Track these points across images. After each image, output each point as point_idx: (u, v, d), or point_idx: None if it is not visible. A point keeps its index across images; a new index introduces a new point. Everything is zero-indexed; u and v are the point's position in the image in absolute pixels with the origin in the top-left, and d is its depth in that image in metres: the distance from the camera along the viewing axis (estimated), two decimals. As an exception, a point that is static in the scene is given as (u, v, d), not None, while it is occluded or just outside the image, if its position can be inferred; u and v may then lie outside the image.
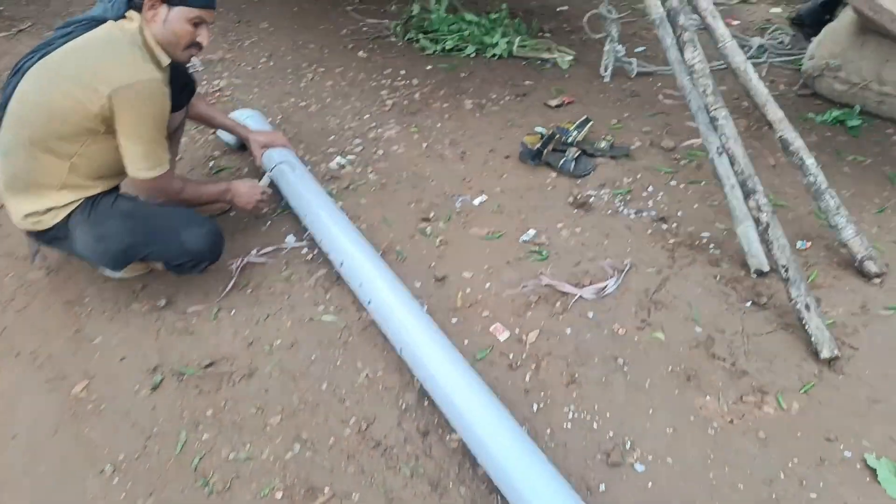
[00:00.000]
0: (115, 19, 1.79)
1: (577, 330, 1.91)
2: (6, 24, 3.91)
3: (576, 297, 2.01)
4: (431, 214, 2.40)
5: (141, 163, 1.78)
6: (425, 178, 2.62)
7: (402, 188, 2.57)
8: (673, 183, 2.53)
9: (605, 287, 2.03)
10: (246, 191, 2.12)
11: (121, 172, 1.91)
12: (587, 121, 2.72)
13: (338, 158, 2.74)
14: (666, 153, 2.71)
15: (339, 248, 2.02)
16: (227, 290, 2.06)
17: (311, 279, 2.13)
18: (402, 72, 3.43)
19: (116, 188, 1.95)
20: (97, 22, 1.80)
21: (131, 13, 1.79)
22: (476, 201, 2.48)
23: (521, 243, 2.27)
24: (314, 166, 2.70)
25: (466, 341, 1.90)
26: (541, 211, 2.41)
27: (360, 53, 3.62)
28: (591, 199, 2.44)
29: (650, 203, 2.42)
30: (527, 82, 3.31)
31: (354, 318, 1.99)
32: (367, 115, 3.06)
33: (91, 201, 1.85)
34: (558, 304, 2.00)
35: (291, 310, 2.02)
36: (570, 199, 2.45)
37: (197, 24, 1.80)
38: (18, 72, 1.78)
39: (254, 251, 2.22)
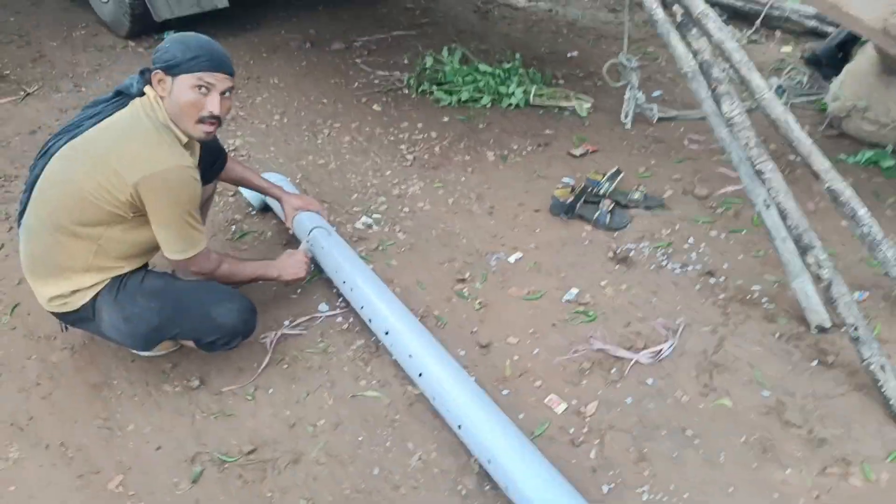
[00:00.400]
0: (140, 94, 1.74)
1: (637, 399, 1.82)
2: (13, 88, 3.87)
3: (632, 363, 1.92)
4: (467, 275, 2.32)
5: (175, 245, 1.71)
6: (455, 235, 2.56)
7: (432, 247, 2.50)
8: (713, 233, 2.47)
9: (661, 350, 1.94)
10: (293, 263, 2.07)
11: (150, 251, 1.84)
12: (618, 172, 2.68)
13: (363, 218, 2.68)
14: (700, 201, 2.67)
15: (383, 316, 1.93)
16: (263, 366, 1.97)
17: (349, 350, 2.04)
18: (420, 125, 3.40)
19: (145, 265, 1.87)
20: (123, 97, 1.74)
21: (148, 89, 1.74)
22: (511, 259, 2.41)
23: (565, 303, 2.19)
24: (340, 227, 2.63)
25: (522, 415, 1.80)
26: (580, 267, 2.34)
27: (375, 107, 3.60)
28: (632, 254, 2.38)
29: (693, 256, 2.35)
30: (547, 131, 3.29)
31: (399, 393, 1.89)
32: (389, 171, 3.01)
33: (119, 281, 1.77)
34: (613, 370, 1.92)
35: (332, 386, 1.92)
36: (610, 254, 2.39)
37: (205, 91, 1.71)
38: (46, 154, 1.72)
39: (287, 322, 2.13)
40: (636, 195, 2.61)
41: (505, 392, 1.87)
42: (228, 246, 2.54)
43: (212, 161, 2.05)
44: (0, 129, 3.40)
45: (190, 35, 1.73)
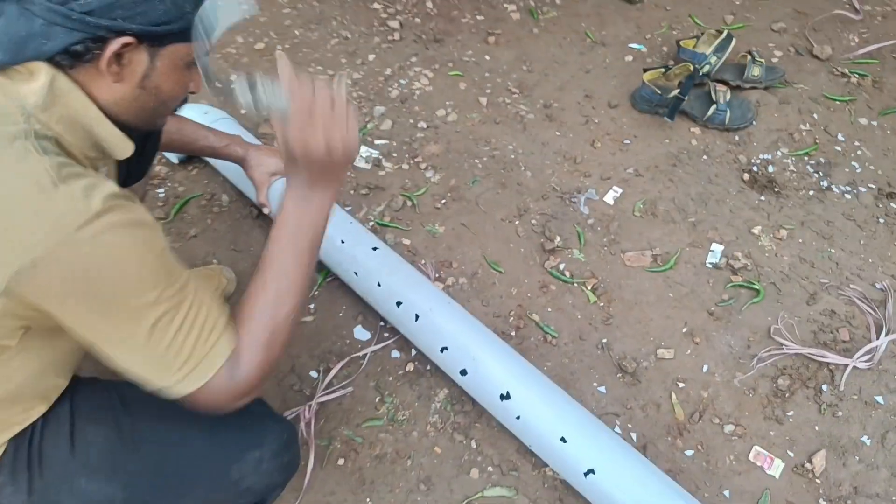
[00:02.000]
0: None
1: (877, 436, 1.28)
2: None
3: (847, 370, 1.35)
4: (556, 240, 1.56)
5: (163, 374, 0.79)
6: (512, 163, 1.72)
7: (486, 191, 1.67)
8: (863, 121, 1.79)
9: (878, 345, 1.38)
10: (328, 145, 0.80)
11: (68, 367, 0.94)
12: (728, 39, 1.83)
13: (362, 150, 1.75)
14: (825, 65, 1.92)
15: (461, 352, 1.21)
16: (309, 471, 1.23)
17: (431, 410, 1.32)
18: (386, -40, 2.26)
19: (66, 397, 0.97)
20: None
21: (34, 66, 0.72)
22: (609, 198, 1.65)
23: (710, 270, 1.52)
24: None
25: (727, 491, 1.23)
26: (712, 204, 1.63)
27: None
28: (773, 171, 1.68)
29: (856, 166, 1.69)
30: (575, -42, 2.28)
31: (538, 485, 1.25)
32: (372, 55, 1.99)
33: (25, 446, 0.89)
34: (824, 385, 1.35)
35: (429, 486, 1.24)
36: (745, 177, 1.68)
37: (191, 66, 0.82)
38: None
39: (316, 374, 1.35)
40: (756, 70, 1.82)
41: (689, 453, 1.27)
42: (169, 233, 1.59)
43: (141, 143, 1.06)
44: None
45: None
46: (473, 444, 1.29)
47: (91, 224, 0.68)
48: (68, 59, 0.72)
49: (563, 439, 1.14)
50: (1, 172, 0.68)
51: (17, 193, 0.68)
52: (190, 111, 1.59)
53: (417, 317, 1.29)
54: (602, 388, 1.36)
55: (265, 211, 1.43)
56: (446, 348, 1.26)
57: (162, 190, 1.67)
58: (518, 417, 1.19)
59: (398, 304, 1.31)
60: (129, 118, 0.80)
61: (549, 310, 1.47)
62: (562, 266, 1.53)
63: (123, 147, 0.82)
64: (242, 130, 1.63)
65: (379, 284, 1.33)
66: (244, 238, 1.58)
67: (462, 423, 1.31)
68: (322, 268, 1.48)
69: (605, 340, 1.42)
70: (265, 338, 0.81)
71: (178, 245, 1.56)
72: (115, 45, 0.71)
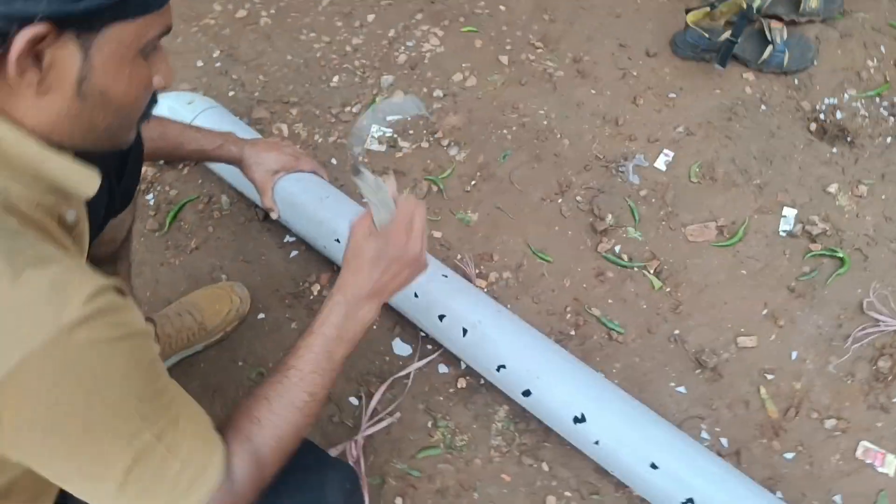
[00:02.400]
0: None
1: None
2: None
3: (955, 346, 1.20)
4: (608, 219, 1.38)
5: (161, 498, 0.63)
6: (546, 132, 1.52)
7: (519, 166, 1.47)
8: (936, 52, 1.59)
9: None
10: (398, 252, 0.80)
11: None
12: (781, -34, 1.60)
13: (372, 127, 1.53)
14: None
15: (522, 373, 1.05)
16: (365, 520, 1.08)
17: (490, 434, 1.17)
18: None
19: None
20: None
21: None
22: (660, 163, 1.46)
23: (784, 238, 1.35)
24: (329, 155, 1.50)
25: (837, 496, 1.09)
26: (778, 162, 1.45)
27: None
28: (842, 118, 1.49)
29: (937, 105, 1.50)
30: None
31: (621, 504, 1.11)
32: (372, 17, 1.74)
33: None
34: (931, 365, 1.20)
35: (502, 521, 1.10)
36: (812, 127, 1.49)
37: (149, 51, 0.59)
38: None
39: (356, 400, 1.18)
40: (813, 1, 1.60)
41: (789, 457, 1.13)
42: (159, 247, 1.38)
43: (119, 162, 0.86)
44: None
45: None
46: (545, 467, 1.14)
47: (61, 341, 0.48)
48: None
49: (653, 465, 0.99)
50: None
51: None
52: (173, 101, 1.37)
53: (465, 331, 1.12)
54: (681, 389, 1.20)
55: (273, 215, 1.23)
56: (503, 366, 1.09)
57: (151, 196, 1.46)
58: (597, 443, 1.04)
59: (441, 317, 1.14)
60: (79, 141, 0.58)
61: (610, 301, 1.30)
62: (617, 248, 1.36)
63: (86, 181, 0.61)
64: (234, 120, 1.40)
65: (416, 295, 1.15)
66: (253, 246, 1.38)
67: (529, 444, 1.16)
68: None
69: (677, 332, 1.26)
70: (270, 450, 0.68)
71: (179, 261, 1.36)
72: (21, 39, 0.48)
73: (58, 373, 0.49)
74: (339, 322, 0.77)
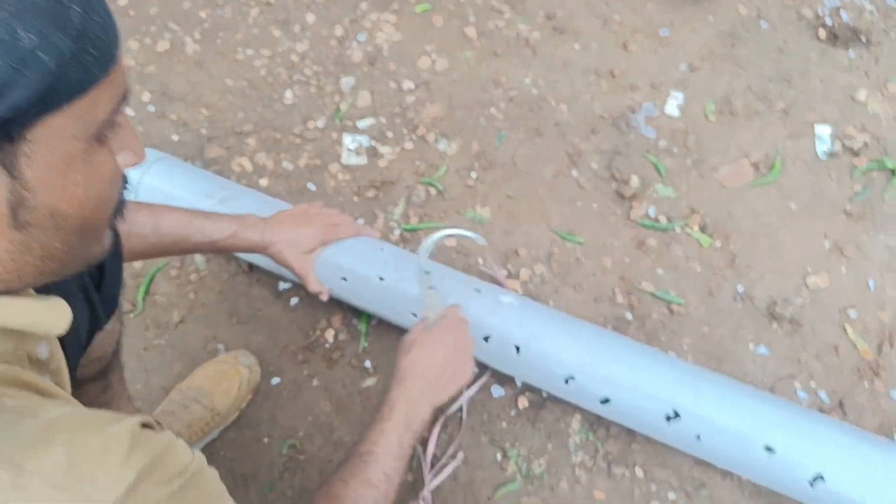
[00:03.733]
0: None
1: None
2: None
3: None
4: (633, 181, 1.27)
5: None
6: (538, 101, 1.40)
7: (519, 146, 1.35)
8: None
9: None
10: (445, 359, 0.87)
11: None
12: None
13: (346, 140, 1.39)
14: None
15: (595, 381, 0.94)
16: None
17: (570, 451, 1.05)
18: None
19: None
20: None
21: None
22: (671, 108, 1.36)
23: (826, 160, 1.26)
24: (304, 180, 1.34)
25: (965, 429, 1.01)
26: (797, 80, 1.36)
27: None
28: (849, 18, 1.40)
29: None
30: None
31: (737, 496, 1.01)
32: (312, 17, 1.59)
33: None
34: None
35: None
36: (821, 34, 1.40)
37: (109, 133, 0.43)
38: None
39: (423, 452, 1.05)
40: None
41: (901, 396, 1.04)
42: (138, 330, 1.22)
43: (98, 266, 0.70)
44: None
45: None
46: (640, 473, 1.03)
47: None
48: None
49: (768, 448, 0.88)
50: None
51: None
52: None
53: (518, 349, 0.99)
54: (762, 349, 1.10)
55: (322, 298, 1.06)
56: (573, 378, 0.97)
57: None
58: (698, 437, 0.92)
59: (486, 338, 1.00)
60: (35, 278, 0.44)
61: (660, 272, 1.19)
62: (652, 211, 1.24)
63: (53, 320, 0.46)
64: (186, 167, 1.24)
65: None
66: (245, 303, 1.23)
67: (616, 452, 1.04)
68: (361, 314, 1.16)
69: (741, 288, 1.15)
70: None
71: (165, 340, 1.20)
72: None
73: None
74: (405, 409, 0.81)
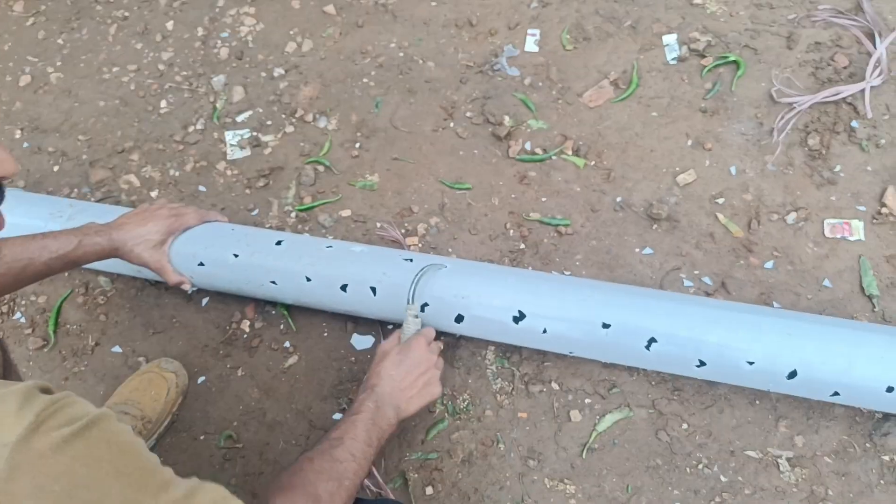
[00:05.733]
0: None
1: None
2: None
3: (866, 93, 1.24)
4: (506, 121, 1.33)
5: None
6: (406, 62, 1.44)
7: (397, 109, 1.40)
8: None
9: (881, 56, 1.27)
10: (411, 369, 0.96)
11: None
12: None
13: (228, 137, 1.41)
14: None
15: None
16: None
17: (489, 380, 1.12)
18: None
19: None
20: None
21: None
22: (529, 46, 1.42)
23: (676, 66, 1.35)
24: (195, 183, 1.36)
25: (826, 280, 1.12)
26: (637, -4, 1.43)
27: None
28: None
29: None
30: None
31: (646, 388, 1.09)
32: (171, 23, 1.58)
33: None
34: (853, 122, 1.24)
35: (540, 458, 1.07)
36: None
37: None
38: None
39: (342, 416, 1.10)
40: None
41: (769, 266, 1.15)
42: (56, 362, 1.23)
43: None
44: None
45: None
46: (556, 386, 1.11)
47: (20, 463, 0.45)
48: None
49: (749, 363, 0.94)
50: None
51: None
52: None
53: (425, 307, 1.04)
54: (648, 250, 1.19)
55: (185, 287, 1.10)
56: (427, 305, 1.03)
57: (19, 314, 1.28)
58: (606, 326, 0.98)
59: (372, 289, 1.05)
60: None
61: (544, 199, 1.26)
62: (528, 145, 1.31)
63: None
64: (17, 194, 1.25)
65: (374, 291, 1.07)
66: (157, 313, 1.25)
67: (531, 372, 1.12)
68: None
69: (619, 199, 1.24)
70: (327, 494, 0.75)
71: (84, 366, 1.22)
72: None
73: (38, 500, 0.44)
74: (373, 408, 0.88)
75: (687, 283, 1.16)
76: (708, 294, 1.15)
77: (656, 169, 1.26)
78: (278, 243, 1.09)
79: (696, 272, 1.17)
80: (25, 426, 0.45)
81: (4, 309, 1.29)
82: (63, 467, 0.46)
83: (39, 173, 1.43)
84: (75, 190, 1.40)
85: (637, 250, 1.20)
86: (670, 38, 1.37)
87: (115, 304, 1.27)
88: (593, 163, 1.28)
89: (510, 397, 1.11)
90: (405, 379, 0.94)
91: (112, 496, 0.48)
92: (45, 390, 0.51)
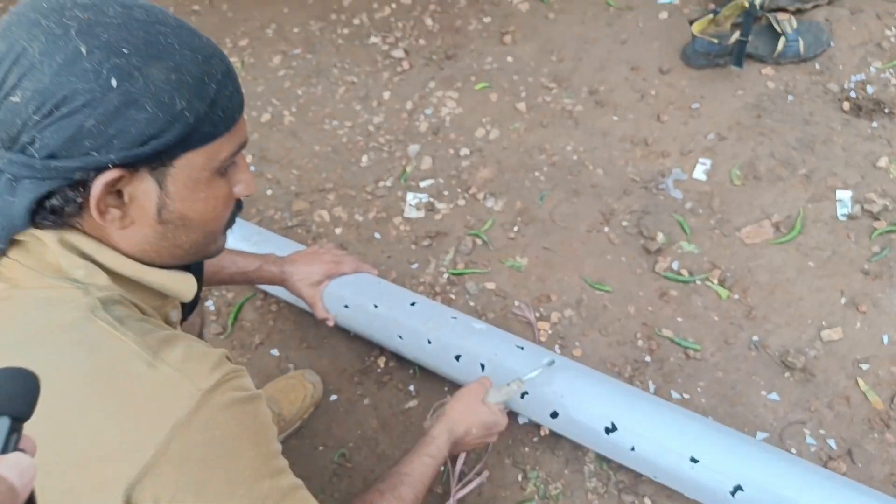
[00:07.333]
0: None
1: None
2: None
3: None
4: (659, 237, 1.39)
5: None
6: (577, 166, 1.56)
7: (559, 204, 1.51)
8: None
9: None
10: (477, 408, 1.04)
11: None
12: (775, -42, 1.66)
13: (409, 197, 1.60)
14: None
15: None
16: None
17: (584, 477, 1.16)
18: (367, -11, 2.13)
19: None
20: None
21: (37, 236, 0.60)
22: (698, 173, 1.48)
23: (846, 222, 1.33)
24: (371, 230, 1.56)
25: (973, 481, 1.03)
26: (820, 148, 1.45)
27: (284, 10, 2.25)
28: (873, 91, 1.49)
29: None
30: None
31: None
32: (388, 94, 1.85)
33: None
34: None
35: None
36: (845, 106, 1.49)
37: (227, 167, 0.66)
38: None
39: (452, 467, 1.19)
40: (816, -15, 1.64)
41: (908, 446, 1.08)
42: (226, 348, 1.45)
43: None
44: None
45: (158, 40, 0.57)
46: (648, 502, 1.11)
47: (201, 408, 0.56)
48: (53, 218, 0.57)
49: (692, 459, 0.95)
50: (88, 370, 0.56)
51: (111, 390, 0.56)
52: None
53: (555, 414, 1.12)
54: (773, 396, 1.17)
55: (329, 324, 1.29)
56: (556, 414, 1.09)
57: (210, 302, 1.54)
58: (694, 461, 1.01)
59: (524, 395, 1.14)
60: (168, 260, 0.66)
61: (680, 319, 1.29)
62: (675, 265, 1.36)
63: (186, 288, 0.69)
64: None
65: (483, 368, 1.17)
66: (314, 332, 1.44)
67: (627, 481, 1.14)
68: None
69: (755, 338, 1.24)
70: None
71: (247, 358, 1.43)
72: (98, 185, 0.55)
73: (203, 438, 0.56)
74: (442, 454, 0.95)
75: (810, 440, 1.13)
76: (830, 458, 1.10)
77: (801, 318, 1.25)
78: (412, 304, 1.23)
79: (822, 432, 1.13)
80: (214, 382, 0.57)
81: (203, 294, 1.55)
82: (224, 420, 0.58)
83: (255, 194, 1.73)
84: (278, 213, 1.67)
85: (763, 393, 1.18)
86: (844, 195, 1.37)
87: (283, 315, 1.48)
88: (737, 296, 1.30)
89: (601, 499, 1.14)
90: (478, 435, 1.01)
91: (244, 457, 0.59)
92: (229, 358, 0.65)
